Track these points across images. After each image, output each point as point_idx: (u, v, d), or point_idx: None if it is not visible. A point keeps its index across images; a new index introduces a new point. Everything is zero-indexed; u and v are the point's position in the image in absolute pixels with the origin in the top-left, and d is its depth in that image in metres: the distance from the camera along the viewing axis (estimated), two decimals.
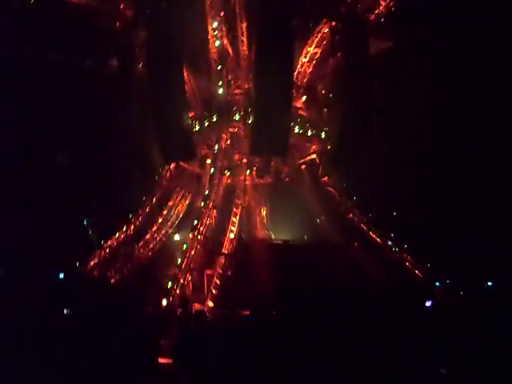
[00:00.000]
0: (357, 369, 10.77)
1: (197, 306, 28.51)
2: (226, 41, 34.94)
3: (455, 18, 33.85)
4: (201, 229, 33.13)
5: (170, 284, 30.61)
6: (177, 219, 37.16)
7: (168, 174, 37.84)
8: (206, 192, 34.62)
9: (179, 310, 19.02)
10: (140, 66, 34.94)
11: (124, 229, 36.09)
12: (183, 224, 36.48)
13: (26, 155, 35.57)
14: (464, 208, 35.24)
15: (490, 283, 29.77)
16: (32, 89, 35.00)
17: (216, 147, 36.12)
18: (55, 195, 35.44)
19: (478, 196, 35.27)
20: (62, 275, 31.37)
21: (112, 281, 33.15)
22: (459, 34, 34.53)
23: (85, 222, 36.63)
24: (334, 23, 35.63)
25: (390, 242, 35.65)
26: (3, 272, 30.22)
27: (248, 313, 16.43)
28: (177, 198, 37.64)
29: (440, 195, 36.29)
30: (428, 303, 20.82)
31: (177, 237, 37.11)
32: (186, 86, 34.21)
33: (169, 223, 37.03)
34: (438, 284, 32.62)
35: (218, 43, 34.28)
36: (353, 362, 10.99)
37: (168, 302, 29.04)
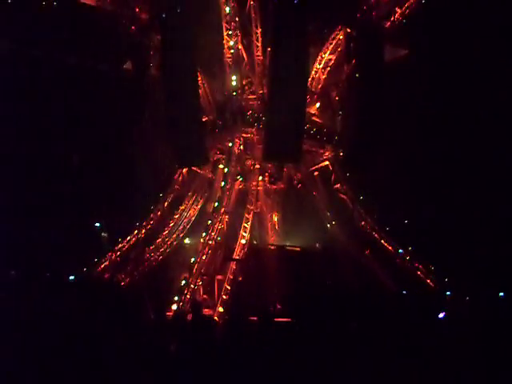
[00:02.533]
0: (367, 378, 10.63)
1: (207, 312, 28.42)
2: (240, 46, 34.90)
3: (473, 24, 33.70)
4: (212, 234, 33.11)
5: (180, 289, 30.61)
6: (188, 224, 37.04)
7: (180, 179, 37.76)
8: (218, 197, 34.60)
9: (190, 315, 18.89)
10: (154, 69, 35.11)
11: (135, 232, 36.09)
12: (195, 229, 36.36)
13: (38, 157, 35.70)
14: (477, 217, 35.04)
15: (501, 294, 29.46)
16: (46, 91, 35.11)
17: (229, 152, 36.06)
18: (67, 198, 35.52)
19: (492, 205, 35.06)
20: (72, 277, 31.42)
21: (122, 284, 33.15)
22: (477, 42, 34.35)
23: (97, 225, 36.68)
24: (348, 30, 35.69)
25: (400, 251, 35.48)
26: (13, 274, 30.26)
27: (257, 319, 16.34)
28: (188, 202, 37.52)
29: (452, 204, 36.10)
30: (441, 315, 20.57)
31: (187, 241, 37.03)
32: (200, 91, 34.30)
33: (180, 227, 36.92)
34: (448, 293, 32.40)
35: (232, 48, 34.25)
36: (363, 371, 10.84)
37: (178, 306, 29.02)
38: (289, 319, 20.83)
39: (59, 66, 34.99)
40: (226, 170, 35.55)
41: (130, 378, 11.48)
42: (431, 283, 33.88)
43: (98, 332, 14.42)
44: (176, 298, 29.68)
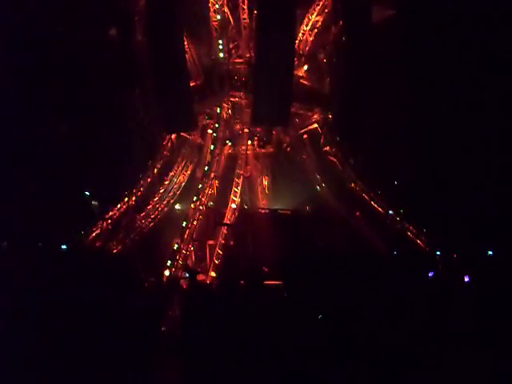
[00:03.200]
0: (357, 339, 10.79)
1: (199, 277, 28.60)
2: (226, 9, 34.62)
3: None
4: (202, 199, 33.20)
5: (172, 255, 30.78)
6: (178, 189, 37.08)
7: (169, 144, 37.68)
8: (208, 162, 34.62)
9: (185, 281, 19.08)
10: (140, 35, 34.79)
11: (126, 200, 36.12)
12: (185, 194, 36.42)
13: (26, 125, 35.50)
14: (466, 175, 35.18)
15: (490, 252, 29.77)
16: (31, 59, 34.79)
17: (217, 117, 35.92)
18: (56, 166, 35.42)
19: (481, 163, 35.20)
20: (64, 246, 31.51)
21: (114, 252, 33.28)
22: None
23: (86, 193, 36.65)
24: None
25: (391, 212, 35.66)
26: (4, 244, 30.33)
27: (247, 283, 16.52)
28: (178, 168, 37.49)
29: (441, 163, 36.24)
30: (430, 274, 20.79)
31: (178, 207, 37.11)
32: (186, 56, 34.05)
33: (170, 193, 36.96)
34: (438, 253, 32.69)
35: (218, 11, 33.90)
36: (353, 332, 11.01)
37: (170, 272, 29.21)
38: (279, 282, 21.00)
39: (43, 33, 34.59)
40: (214, 134, 35.52)
41: (124, 344, 11.62)
42: (421, 243, 34.13)
43: (92, 300, 14.51)
44: (168, 264, 29.85)
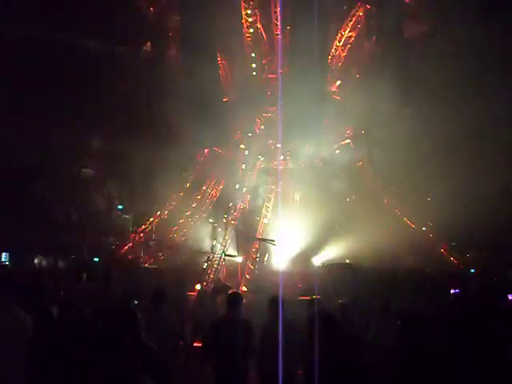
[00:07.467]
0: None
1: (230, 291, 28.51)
2: (259, 25, 34.76)
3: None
4: (235, 214, 33.19)
5: (203, 268, 30.84)
6: (210, 204, 37.13)
7: (202, 159, 37.83)
8: (240, 177, 34.63)
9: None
10: (173, 50, 35.18)
11: (158, 213, 36.30)
12: (217, 209, 36.47)
13: (58, 140, 36.02)
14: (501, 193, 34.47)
15: None
16: (64, 73, 35.29)
17: (250, 132, 35.94)
18: (88, 180, 35.85)
19: None
20: (96, 259, 31.82)
21: (145, 265, 33.47)
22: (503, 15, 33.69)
23: (119, 207, 36.96)
24: (368, 6, 35.38)
25: (424, 228, 35.24)
26: (40, 258, 30.79)
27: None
28: (210, 182, 37.57)
29: (475, 179, 35.62)
30: (453, 291, 20.19)
31: (211, 221, 37.12)
32: (219, 71, 34.29)
33: (202, 208, 37.01)
34: (472, 271, 32.09)
35: (251, 27, 34.06)
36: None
37: (202, 286, 29.22)
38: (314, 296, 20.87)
39: (78, 49, 35.10)
40: (246, 149, 35.53)
41: (160, 352, 11.60)
42: (455, 260, 33.65)
43: (122, 314, 14.52)
44: (199, 278, 29.88)
